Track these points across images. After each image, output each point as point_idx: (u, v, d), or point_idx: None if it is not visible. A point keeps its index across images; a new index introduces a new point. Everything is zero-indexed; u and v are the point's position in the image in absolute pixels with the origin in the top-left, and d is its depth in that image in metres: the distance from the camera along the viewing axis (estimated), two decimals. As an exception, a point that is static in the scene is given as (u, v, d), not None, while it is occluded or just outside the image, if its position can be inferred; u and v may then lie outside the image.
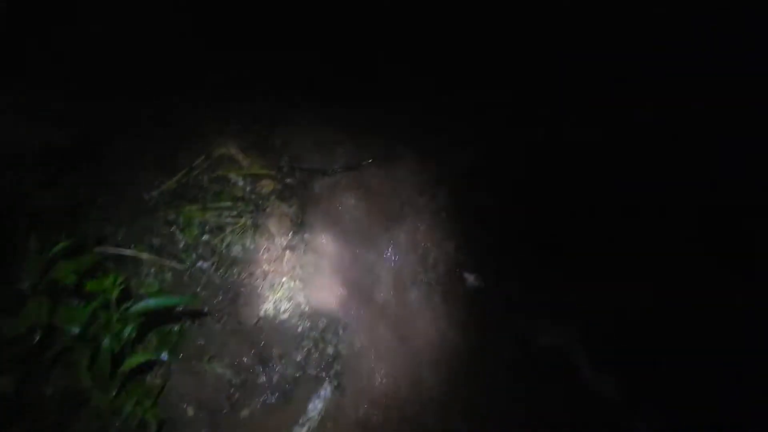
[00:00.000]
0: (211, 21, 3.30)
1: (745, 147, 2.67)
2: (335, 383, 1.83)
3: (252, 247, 2.06)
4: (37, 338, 1.51)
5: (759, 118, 2.67)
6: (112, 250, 1.86)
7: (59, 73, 2.70)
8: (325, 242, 2.17)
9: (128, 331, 1.58)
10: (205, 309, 1.85)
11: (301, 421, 1.73)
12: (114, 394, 1.55)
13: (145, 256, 1.88)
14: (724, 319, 2.07)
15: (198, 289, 1.89)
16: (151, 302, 1.64)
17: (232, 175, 2.29)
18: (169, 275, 1.89)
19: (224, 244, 2.03)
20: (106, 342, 1.53)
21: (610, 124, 2.90)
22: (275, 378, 1.77)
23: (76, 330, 1.52)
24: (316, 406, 1.77)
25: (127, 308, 1.61)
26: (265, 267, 2.02)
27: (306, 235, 2.16)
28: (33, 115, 2.25)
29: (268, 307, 1.92)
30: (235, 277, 1.96)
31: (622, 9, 3.20)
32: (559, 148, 2.83)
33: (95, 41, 2.92)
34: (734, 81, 2.79)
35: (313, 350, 1.87)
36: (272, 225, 2.16)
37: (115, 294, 1.61)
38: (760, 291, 2.14)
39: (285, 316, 1.91)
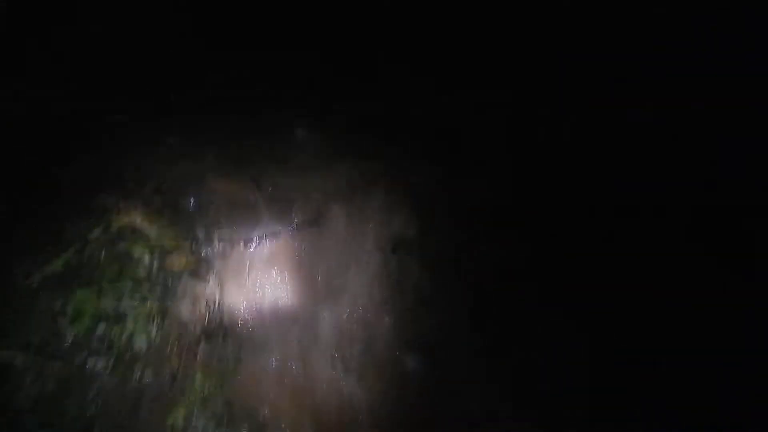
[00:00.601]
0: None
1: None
2: None
3: (159, 338, 1.72)
4: None
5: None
6: None
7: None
8: (247, 327, 1.83)
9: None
10: (95, 430, 1.48)
11: None
12: None
13: (19, 359, 1.54)
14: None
15: (89, 397, 1.53)
16: None
17: (136, 250, 1.91)
18: (51, 381, 1.53)
19: (124, 337, 1.68)
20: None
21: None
22: None
23: None
24: None
25: None
26: (175, 363, 1.68)
27: (225, 320, 1.83)
28: None
29: (177, 416, 1.58)
30: (137, 377, 1.62)
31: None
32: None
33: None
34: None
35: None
36: (184, 309, 1.81)
37: None
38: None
39: (198, 425, 1.57)
